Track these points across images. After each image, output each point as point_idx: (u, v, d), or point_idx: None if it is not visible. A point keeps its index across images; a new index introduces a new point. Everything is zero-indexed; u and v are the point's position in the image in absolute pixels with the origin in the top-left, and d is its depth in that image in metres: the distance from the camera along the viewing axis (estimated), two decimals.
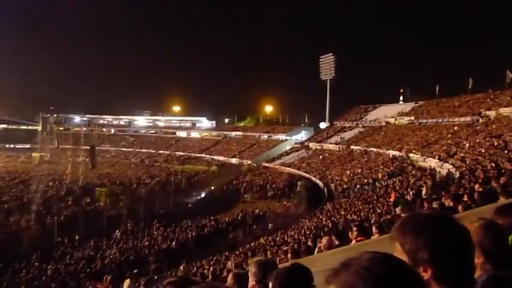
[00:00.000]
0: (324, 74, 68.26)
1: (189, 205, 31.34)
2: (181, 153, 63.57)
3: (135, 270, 14.14)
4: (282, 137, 63.89)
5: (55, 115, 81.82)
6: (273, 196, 35.04)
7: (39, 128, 70.87)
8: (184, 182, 40.05)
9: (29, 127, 79.26)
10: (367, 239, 5.90)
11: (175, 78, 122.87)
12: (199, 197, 36.63)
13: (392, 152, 37.49)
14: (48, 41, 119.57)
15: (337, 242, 7.07)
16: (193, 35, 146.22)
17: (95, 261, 18.90)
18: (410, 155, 33.74)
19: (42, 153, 60.94)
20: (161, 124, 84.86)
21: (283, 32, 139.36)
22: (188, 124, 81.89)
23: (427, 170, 25.96)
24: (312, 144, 55.61)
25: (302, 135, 63.77)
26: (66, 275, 17.07)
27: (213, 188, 39.32)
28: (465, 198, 6.16)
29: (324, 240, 7.17)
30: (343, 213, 20.59)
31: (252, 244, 20.50)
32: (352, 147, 46.87)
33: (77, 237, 23.00)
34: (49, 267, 18.03)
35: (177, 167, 48.26)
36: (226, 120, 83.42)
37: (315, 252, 7.00)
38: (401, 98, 60.90)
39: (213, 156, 60.66)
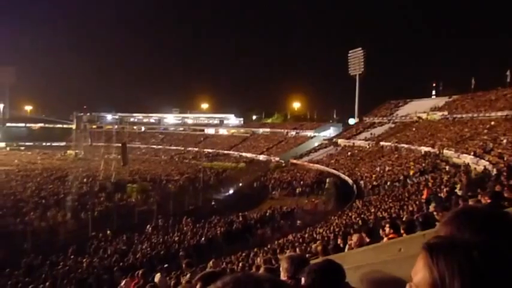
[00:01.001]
0: (352, 69, 67.19)
1: (213, 203, 31.41)
2: (209, 150, 64.28)
3: (166, 265, 14.46)
4: (310, 133, 63.38)
5: (88, 114, 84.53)
6: (301, 193, 34.84)
7: (74, 127, 73.55)
8: (212, 179, 40.45)
9: (64, 126, 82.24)
10: (400, 236, 5.76)
11: (204, 75, 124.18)
12: (227, 194, 36.90)
13: (424, 148, 36.49)
14: (82, 43, 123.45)
15: (367, 240, 6.93)
16: (221, 33, 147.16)
17: (127, 255, 19.38)
18: (444, 151, 32.70)
19: (77, 151, 63.09)
20: (190, 121, 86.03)
21: (311, 27, 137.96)
22: (216, 121, 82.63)
23: (461, 166, 25.10)
24: (340, 141, 54.90)
25: (330, 132, 63.06)
26: (100, 268, 17.61)
27: (241, 184, 39.51)
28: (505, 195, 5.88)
29: (355, 237, 7.05)
30: (373, 210, 20.23)
31: (280, 241, 20.45)
32: (382, 143, 45.94)
33: (109, 232, 23.68)
34: (84, 260, 18.64)
35: (206, 163, 48.83)
36: (254, 117, 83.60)
37: (345, 250, 6.89)
38: (433, 92, 59.15)
39: (241, 153, 60.97)
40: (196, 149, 65.62)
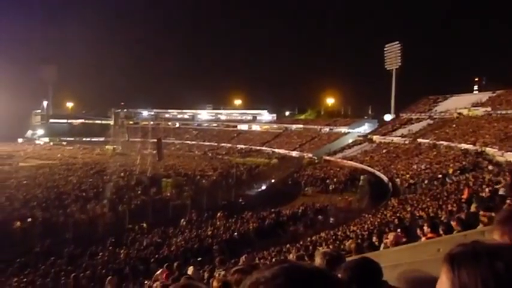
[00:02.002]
0: (389, 63, 65.41)
1: (240, 200, 31.26)
2: (242, 146, 64.66)
3: (199, 258, 14.70)
4: (343, 129, 62.40)
5: (125, 110, 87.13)
6: (334, 190, 34.41)
7: (112, 123, 76.06)
8: (245, 175, 40.67)
9: (103, 122, 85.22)
10: (438, 236, 5.56)
11: (237, 71, 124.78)
12: (260, 190, 37.00)
13: (465, 146, 35.05)
14: (120, 42, 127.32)
15: (404, 239, 6.73)
16: (255, 28, 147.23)
17: (162, 247, 19.88)
18: (486, 149, 31.26)
19: (115, 146, 65.17)
20: (223, 117, 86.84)
21: (347, 20, 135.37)
22: (249, 117, 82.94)
23: (505, 165, 23.91)
24: (375, 137, 53.69)
25: (365, 128, 61.79)
26: (136, 259, 18.17)
27: (273, 180, 39.48)
28: None
29: (391, 236, 6.87)
30: (409, 209, 19.65)
31: (312, 238, 20.32)
32: (419, 140, 44.53)
33: (145, 224, 24.35)
34: (121, 251, 19.29)
35: (239, 159, 49.20)
36: (287, 113, 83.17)
37: (380, 248, 6.73)
38: (475, 87, 56.58)
39: (273, 149, 60.91)
40: (229, 145, 66.19)
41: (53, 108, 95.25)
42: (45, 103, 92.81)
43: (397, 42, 64.47)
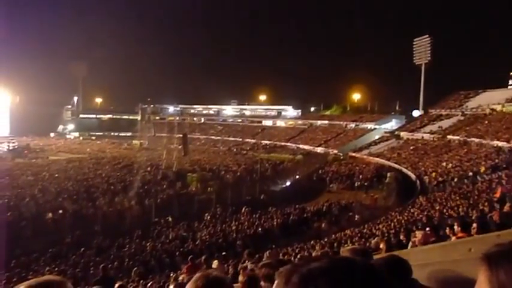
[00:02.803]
0: (418, 57, 63.73)
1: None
2: (266, 142, 64.63)
3: (224, 253, 14.81)
4: (370, 125, 61.40)
5: (152, 106, 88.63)
6: (359, 187, 33.93)
7: (139, 118, 77.46)
8: (269, 170, 40.65)
9: (130, 117, 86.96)
10: (469, 236, 5.38)
11: (262, 67, 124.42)
12: (284, 186, 36.91)
13: (498, 143, 33.78)
14: (146, 40, 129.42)
15: (433, 238, 6.56)
16: (279, 24, 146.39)
17: (187, 241, 20.15)
18: None
19: (141, 141, 66.45)
20: (248, 113, 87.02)
21: (374, 14, 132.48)
22: (274, 113, 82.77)
23: None
24: (403, 134, 52.57)
25: (392, 124, 60.57)
26: (162, 252, 18.50)
27: (298, 176, 39.30)
28: None
29: (419, 234, 6.72)
30: (438, 208, 19.16)
31: (337, 235, 20.13)
32: (449, 137, 43.26)
33: (170, 218, 24.74)
34: (148, 244, 19.68)
35: (263, 155, 49.20)
36: (312, 109, 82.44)
37: (409, 247, 6.58)
38: (510, 82, 54.34)
39: (298, 145, 60.62)
40: (254, 141, 66.28)
41: (82, 104, 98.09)
42: (75, 99, 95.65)
43: (427, 35, 62.67)
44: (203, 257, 9.50)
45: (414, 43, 64.39)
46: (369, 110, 71.83)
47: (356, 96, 77.61)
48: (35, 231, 20.62)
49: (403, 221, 17.86)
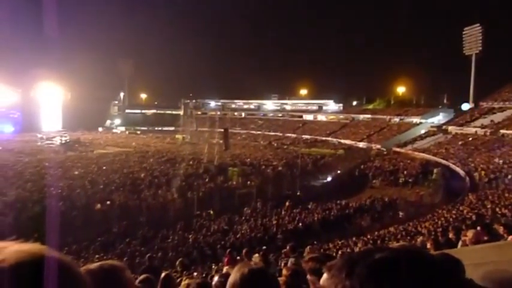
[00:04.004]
0: (468, 48, 60.41)
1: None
2: (307, 136, 64.06)
3: (264, 247, 14.84)
4: (415, 119, 59.18)
5: (194, 101, 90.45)
6: (404, 183, 32.84)
7: (181, 113, 79.25)
8: (310, 165, 40.27)
9: (173, 112, 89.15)
10: None
11: (303, 61, 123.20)
12: (325, 181, 36.44)
13: None
14: (189, 38, 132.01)
15: (485, 237, 6.22)
16: (320, 17, 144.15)
17: (228, 234, 20.42)
18: None
19: (184, 135, 67.92)
20: (288, 108, 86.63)
21: (420, 2, 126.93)
22: (315, 107, 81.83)
23: None
24: (451, 128, 50.20)
25: (439, 118, 57.97)
26: (204, 244, 18.87)
27: (339, 172, 38.64)
28: None
29: (470, 233, 6.36)
30: (489, 206, 18.17)
31: (380, 232, 19.63)
32: (502, 131, 40.79)
33: (212, 211, 25.16)
34: (190, 236, 20.15)
35: (304, 149, 48.76)
36: (354, 103, 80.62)
37: (458, 246, 6.25)
38: None
39: (339, 140, 59.61)
40: (295, 135, 65.91)
41: (128, 100, 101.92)
42: (122, 95, 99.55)
43: (478, 24, 59.22)
44: (244, 250, 9.56)
45: (464, 32, 61.10)
46: (415, 104, 69.10)
47: (401, 89, 75.01)
48: (85, 220, 21.68)
49: (451, 219, 17.12)
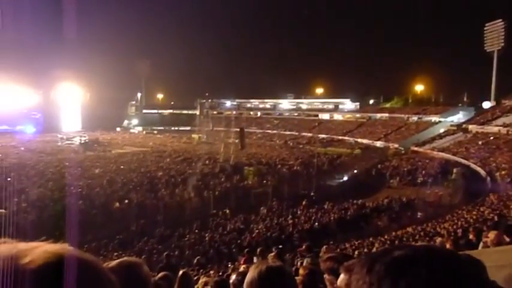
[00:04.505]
0: (489, 44, 59.04)
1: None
2: (323, 136, 63.66)
3: (280, 246, 14.82)
4: (434, 118, 58.17)
5: (210, 101, 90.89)
6: (422, 183, 32.29)
7: (197, 113, 79.78)
8: (326, 164, 40.02)
9: (189, 112, 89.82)
10: None
11: (319, 60, 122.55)
12: (341, 180, 36.16)
13: None
14: (204, 38, 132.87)
15: (508, 239, 6.07)
16: (337, 14, 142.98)
17: (244, 233, 20.46)
18: None
19: (200, 135, 68.37)
20: (304, 107, 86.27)
21: None
22: (331, 106, 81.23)
23: None
24: (471, 127, 49.16)
25: (459, 117, 56.83)
26: (220, 243, 18.95)
27: (356, 171, 38.29)
28: None
29: (491, 234, 6.22)
30: None
31: (398, 232, 19.37)
32: None
33: (228, 211, 25.26)
34: (206, 235, 20.27)
35: (320, 149, 48.48)
36: (371, 102, 79.71)
37: (479, 247, 6.13)
38: None
39: (356, 139, 59.04)
40: (311, 134, 65.60)
41: (145, 100, 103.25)
42: (139, 95, 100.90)
43: (500, 20, 57.78)
44: (258, 249, 9.58)
45: (485, 28, 59.73)
46: (433, 102, 67.89)
47: (419, 88, 73.78)
48: (104, 219, 22.05)
49: (471, 220, 16.76)
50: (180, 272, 4.63)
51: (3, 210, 16.34)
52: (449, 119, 56.60)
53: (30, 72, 70.61)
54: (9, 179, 22.73)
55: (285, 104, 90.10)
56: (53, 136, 61.23)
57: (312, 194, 29.65)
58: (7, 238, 0.68)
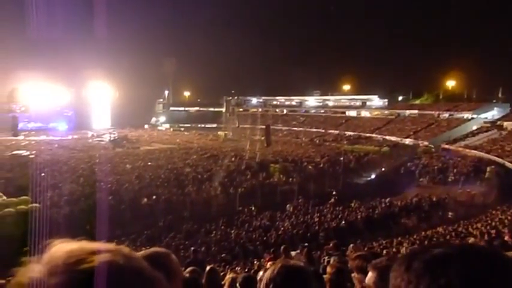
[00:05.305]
0: None
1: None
2: (350, 133, 62.79)
3: (306, 244, 14.73)
4: (467, 115, 56.25)
5: (236, 98, 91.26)
6: (454, 182, 31.32)
7: (223, 110, 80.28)
8: (353, 162, 39.45)
9: (216, 109, 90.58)
10: None
11: (346, 55, 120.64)
12: (369, 178, 35.57)
13: None
14: (230, 36, 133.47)
15: None
16: (364, 7, 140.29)
17: (270, 231, 20.47)
18: None
19: (226, 132, 68.81)
20: (331, 104, 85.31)
21: None
22: (358, 103, 79.92)
23: None
24: (507, 124, 47.25)
25: (494, 113, 54.71)
26: (246, 240, 19.04)
27: (384, 169, 37.55)
28: None
29: None
30: None
31: (427, 232, 18.89)
32: None
33: (253, 208, 25.32)
34: (232, 231, 20.40)
35: (347, 146, 47.85)
36: (400, 98, 77.87)
37: None
38: None
39: (384, 136, 57.88)
40: (337, 132, 64.84)
41: (173, 98, 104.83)
42: (166, 93, 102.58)
43: None
44: (282, 247, 9.53)
45: None
46: (466, 98, 65.55)
47: (450, 83, 71.47)
48: (132, 214, 22.57)
49: (506, 221, 16.13)
50: (208, 268, 4.66)
51: (36, 205, 17.00)
52: (483, 115, 54.60)
53: (63, 71, 73.03)
54: (43, 174, 23.61)
55: (311, 101, 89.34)
56: (84, 133, 63.21)
57: (333, 193, 28.99)
58: (67, 238, 0.69)
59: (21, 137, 53.71)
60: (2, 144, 47.32)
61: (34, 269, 0.62)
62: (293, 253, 9.37)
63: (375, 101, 77.26)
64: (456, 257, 0.62)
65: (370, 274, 1.91)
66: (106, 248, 0.65)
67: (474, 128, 51.12)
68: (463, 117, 56.43)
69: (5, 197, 21.14)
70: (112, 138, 56.12)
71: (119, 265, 0.63)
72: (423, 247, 0.65)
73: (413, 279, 0.64)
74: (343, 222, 21.49)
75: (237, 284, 3.48)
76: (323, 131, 68.56)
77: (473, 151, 40.73)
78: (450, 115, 58.50)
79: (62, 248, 0.64)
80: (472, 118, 54.66)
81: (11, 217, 17.77)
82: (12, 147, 44.23)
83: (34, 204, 17.60)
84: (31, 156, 36.71)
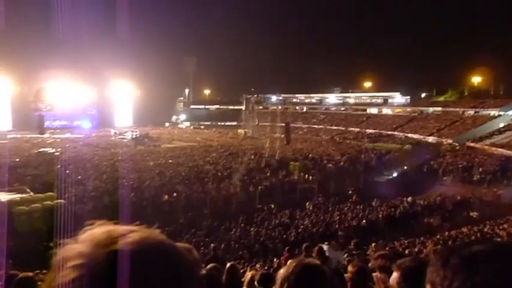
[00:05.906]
0: None
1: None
2: (371, 131, 61.94)
3: (326, 242, 14.62)
4: (493, 112, 54.59)
5: (255, 96, 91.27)
6: (479, 181, 30.51)
7: (243, 108, 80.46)
8: (374, 160, 38.90)
9: (235, 107, 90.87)
10: None
11: (367, 52, 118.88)
12: (390, 177, 35.01)
13: None
14: (250, 34, 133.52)
15: None
16: (386, 4, 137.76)
17: (290, 228, 20.41)
18: None
19: (246, 130, 68.94)
20: (351, 101, 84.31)
21: None
22: (380, 100, 78.71)
23: None
24: None
25: None
26: (265, 237, 19.04)
27: (406, 167, 36.89)
28: None
29: None
30: None
31: (451, 232, 18.46)
32: None
33: (273, 205, 25.29)
34: (252, 229, 20.43)
35: (368, 144, 47.23)
36: (423, 95, 76.27)
37: None
38: None
39: (406, 134, 56.88)
40: (358, 129, 64.08)
41: (193, 96, 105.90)
42: (187, 91, 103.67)
43: None
44: (304, 245, 9.47)
45: None
46: (492, 95, 63.64)
47: (476, 79, 69.50)
48: (154, 211, 22.88)
49: None
50: (228, 265, 4.68)
51: (61, 201, 17.46)
52: (510, 112, 52.94)
53: (87, 71, 74.61)
54: (67, 171, 24.21)
55: (332, 98, 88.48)
56: (106, 131, 64.47)
57: (350, 191, 28.61)
58: (105, 221, 0.76)
59: (47, 135, 55.18)
60: (29, 142, 48.84)
61: (75, 246, 0.66)
62: (324, 247, 9.22)
63: (397, 98, 75.89)
64: (496, 255, 0.60)
65: (394, 274, 1.87)
66: (140, 228, 0.72)
67: (501, 125, 49.63)
68: (489, 114, 54.84)
69: (32, 193, 21.83)
70: (134, 136, 57.03)
71: (156, 240, 0.68)
72: (464, 243, 0.64)
73: (449, 275, 0.62)
74: (364, 221, 21.23)
75: (255, 282, 3.48)
76: (343, 128, 67.88)
77: (499, 149, 39.58)
78: (476, 112, 56.98)
79: (101, 228, 0.71)
80: (499, 115, 53.04)
81: (38, 212, 18.35)
82: (39, 144, 45.54)
83: (59, 200, 18.10)
84: (56, 153, 37.70)
